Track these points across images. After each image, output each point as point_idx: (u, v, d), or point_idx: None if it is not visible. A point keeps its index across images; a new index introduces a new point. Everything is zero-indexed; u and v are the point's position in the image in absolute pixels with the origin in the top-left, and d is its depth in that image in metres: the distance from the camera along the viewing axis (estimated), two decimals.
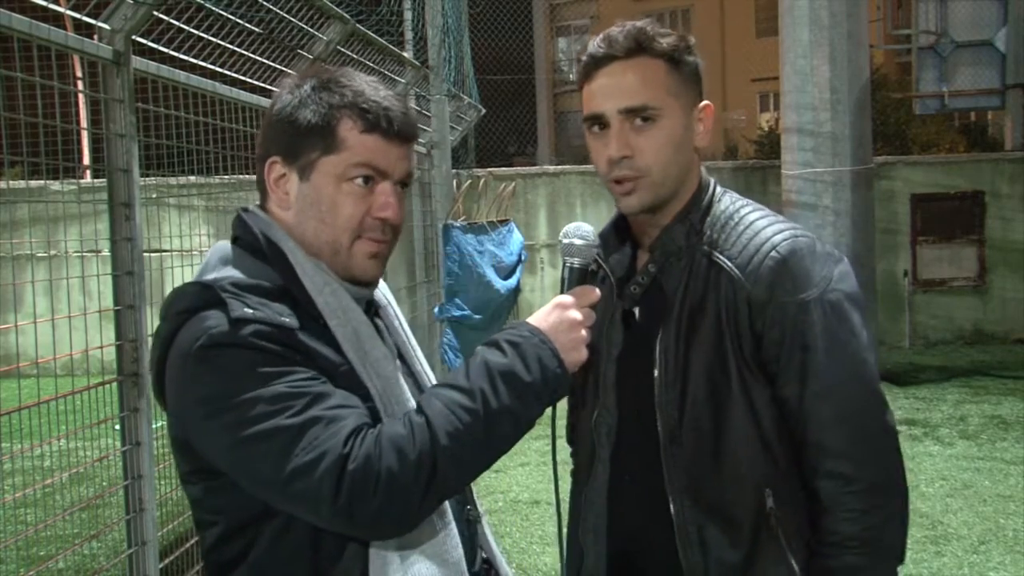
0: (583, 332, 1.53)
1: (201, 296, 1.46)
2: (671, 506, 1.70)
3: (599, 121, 1.72)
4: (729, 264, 1.68)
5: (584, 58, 1.74)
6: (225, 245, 1.60)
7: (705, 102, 1.77)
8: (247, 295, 1.46)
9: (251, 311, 1.43)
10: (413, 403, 1.49)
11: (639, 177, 1.70)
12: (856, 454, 1.65)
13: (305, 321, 1.48)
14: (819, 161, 8.67)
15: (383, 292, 1.74)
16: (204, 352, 1.41)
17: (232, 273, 1.51)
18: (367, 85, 1.56)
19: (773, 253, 1.66)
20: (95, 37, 3.14)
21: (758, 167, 12.22)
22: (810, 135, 8.67)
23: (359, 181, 1.53)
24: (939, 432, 7.56)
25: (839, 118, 8.60)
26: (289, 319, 1.46)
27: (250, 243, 1.56)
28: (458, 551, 1.54)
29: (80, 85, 3.66)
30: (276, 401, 1.38)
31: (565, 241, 1.67)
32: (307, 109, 1.54)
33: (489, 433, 1.42)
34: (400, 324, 1.73)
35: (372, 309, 1.67)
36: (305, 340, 1.45)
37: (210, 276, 1.52)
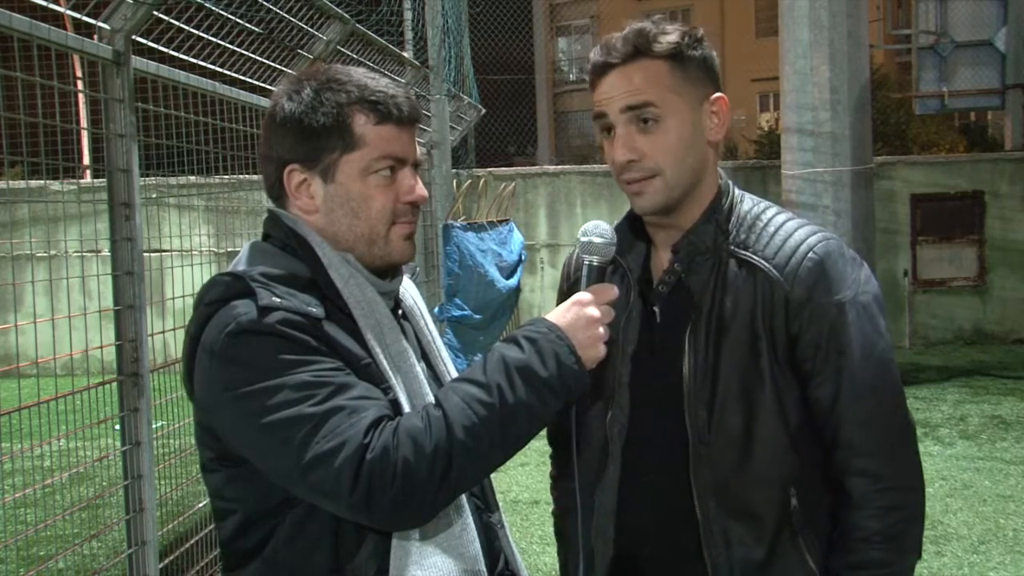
0: (601, 329, 1.55)
1: (232, 286, 1.49)
2: (696, 506, 1.69)
3: (605, 123, 1.72)
4: (766, 264, 1.68)
5: (588, 66, 1.74)
6: (257, 242, 1.64)
7: (718, 94, 1.74)
8: (276, 285, 1.49)
9: (278, 300, 1.46)
10: (432, 399, 1.51)
11: (650, 178, 1.70)
12: (885, 452, 1.68)
13: (331, 312, 1.52)
14: (819, 161, 8.67)
15: (411, 294, 1.76)
16: (232, 339, 1.44)
17: (262, 266, 1.54)
18: (367, 78, 1.60)
19: (811, 254, 1.67)
20: (95, 37, 3.14)
21: (758, 167, 12.23)
22: (810, 135, 8.67)
23: (384, 172, 1.57)
24: (939, 432, 7.56)
25: (839, 118, 8.60)
26: (316, 309, 1.49)
27: (280, 239, 1.60)
28: (475, 545, 1.55)
29: (80, 85, 3.66)
30: (300, 389, 1.41)
31: (584, 239, 1.67)
32: (317, 112, 1.56)
33: (505, 427, 1.43)
34: (427, 326, 1.76)
35: (399, 311, 1.70)
36: (330, 331, 1.49)
37: (241, 269, 1.55)
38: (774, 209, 1.78)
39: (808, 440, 1.70)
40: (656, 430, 1.74)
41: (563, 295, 1.83)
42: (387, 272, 1.63)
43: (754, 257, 1.70)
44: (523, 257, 9.14)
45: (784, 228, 1.72)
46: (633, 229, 1.84)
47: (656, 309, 1.77)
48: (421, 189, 1.62)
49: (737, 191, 1.80)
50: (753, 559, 1.69)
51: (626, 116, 1.69)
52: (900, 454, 1.70)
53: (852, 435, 1.68)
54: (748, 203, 1.78)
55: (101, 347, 3.27)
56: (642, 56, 1.68)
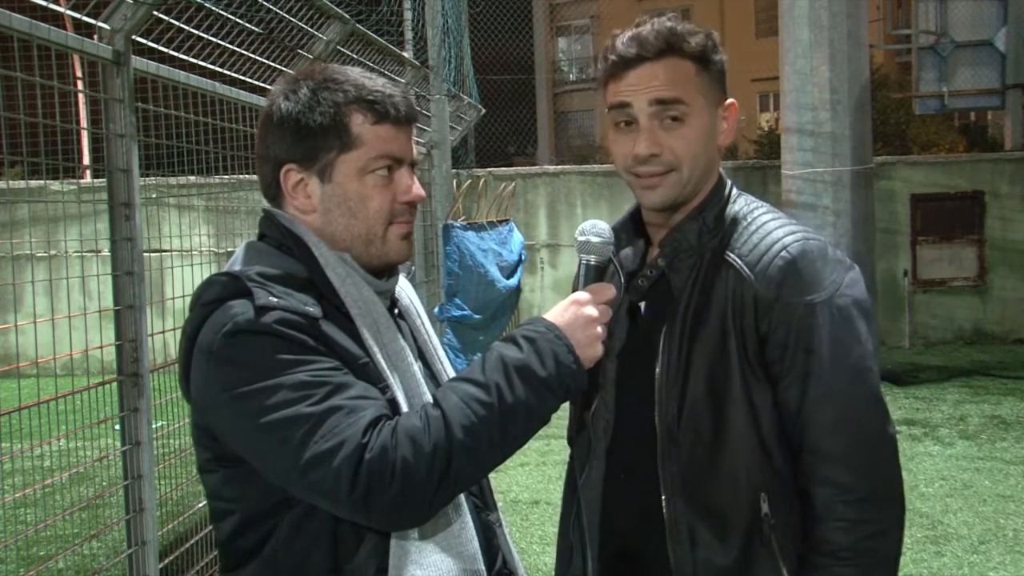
0: (599, 329, 1.54)
1: (228, 286, 1.49)
2: (663, 504, 1.68)
3: (627, 114, 1.70)
4: (739, 263, 1.67)
5: (612, 57, 1.71)
6: (253, 242, 1.63)
7: (730, 100, 1.76)
8: (272, 285, 1.49)
9: (276, 299, 1.46)
10: (430, 398, 1.51)
11: (668, 172, 1.69)
12: (853, 461, 1.63)
13: (328, 311, 1.51)
14: (819, 161, 8.68)
15: (407, 293, 1.76)
16: (229, 339, 1.44)
17: (259, 266, 1.54)
18: (363, 77, 1.60)
19: (783, 253, 1.65)
20: (95, 37, 3.14)
21: (758, 167, 12.23)
22: (810, 135, 8.68)
23: (382, 172, 1.57)
24: (939, 432, 7.56)
25: (839, 118, 8.60)
26: (313, 308, 1.49)
27: (276, 238, 1.60)
28: (473, 544, 1.55)
29: (80, 85, 3.66)
30: (298, 389, 1.40)
31: (581, 239, 1.67)
32: (314, 112, 1.56)
33: (504, 427, 1.43)
34: (423, 324, 1.75)
35: (395, 309, 1.70)
36: (327, 330, 1.49)
37: (238, 269, 1.54)
38: (763, 209, 1.76)
39: (783, 445, 1.66)
40: (637, 427, 1.74)
41: None
42: (384, 271, 1.63)
43: (731, 256, 1.69)
44: (523, 257, 9.15)
45: (764, 227, 1.70)
46: (634, 226, 1.84)
47: (641, 305, 1.77)
48: (418, 189, 1.62)
49: (735, 191, 1.79)
50: (719, 564, 1.66)
51: (653, 109, 1.68)
52: (871, 465, 1.64)
53: (816, 440, 1.63)
54: (740, 203, 1.77)
55: (101, 347, 3.27)
56: (673, 54, 1.68)
